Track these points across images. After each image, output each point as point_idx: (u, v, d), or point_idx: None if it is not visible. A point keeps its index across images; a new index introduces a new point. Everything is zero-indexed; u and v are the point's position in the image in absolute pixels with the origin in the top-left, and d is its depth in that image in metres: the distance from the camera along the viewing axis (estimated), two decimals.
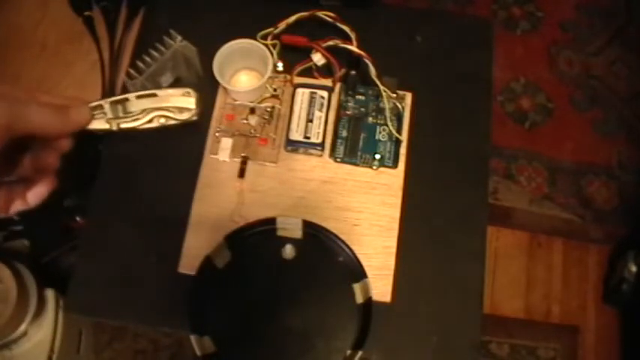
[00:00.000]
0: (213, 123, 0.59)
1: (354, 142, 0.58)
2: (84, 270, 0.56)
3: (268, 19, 0.60)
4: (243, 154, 0.58)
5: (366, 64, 0.58)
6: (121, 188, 0.58)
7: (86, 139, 0.64)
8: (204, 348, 0.48)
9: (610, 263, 1.20)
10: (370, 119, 0.59)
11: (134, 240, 0.56)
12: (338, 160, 0.58)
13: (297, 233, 0.52)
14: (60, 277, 0.83)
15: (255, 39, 0.59)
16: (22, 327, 0.79)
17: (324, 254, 0.52)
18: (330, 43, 0.59)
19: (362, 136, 0.59)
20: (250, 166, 0.58)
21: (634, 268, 1.11)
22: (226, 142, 0.58)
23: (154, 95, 0.44)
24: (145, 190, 0.58)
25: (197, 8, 0.64)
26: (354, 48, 0.58)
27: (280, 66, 0.60)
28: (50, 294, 0.84)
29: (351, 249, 0.52)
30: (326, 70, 0.60)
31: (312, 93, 0.59)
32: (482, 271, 0.55)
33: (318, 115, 0.58)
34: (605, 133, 1.30)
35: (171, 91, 0.45)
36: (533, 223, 1.22)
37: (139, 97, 0.44)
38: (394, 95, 0.59)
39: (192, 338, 0.48)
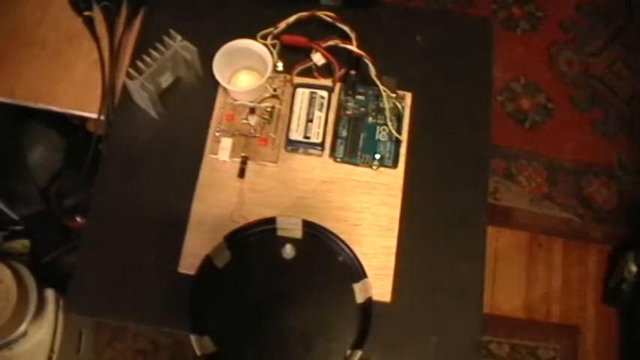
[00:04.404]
0: (213, 123, 0.59)
1: (354, 142, 0.58)
2: (84, 270, 0.56)
3: (268, 19, 0.60)
4: (243, 154, 0.58)
5: (366, 64, 0.58)
6: (121, 188, 0.58)
7: (86, 139, 0.65)
8: (204, 348, 0.48)
9: (610, 263, 1.20)
10: (370, 119, 0.59)
11: (134, 240, 0.56)
12: (338, 160, 0.58)
13: (297, 233, 0.52)
14: (60, 277, 0.83)
15: (255, 39, 0.59)
16: (22, 327, 0.79)
17: (324, 254, 0.52)
18: (330, 43, 0.59)
19: (362, 136, 0.59)
20: (250, 166, 0.58)
21: (634, 268, 1.11)
22: (226, 142, 0.58)
23: None
24: (145, 190, 0.58)
25: (197, 8, 0.64)
26: (354, 48, 0.58)
27: (280, 66, 0.60)
28: (50, 294, 0.84)
29: (351, 249, 0.52)
30: (326, 70, 0.60)
31: (312, 93, 0.59)
32: (482, 271, 0.55)
33: (318, 115, 0.58)
34: (605, 133, 1.29)
35: None
36: (533, 223, 1.22)
37: None
38: (394, 95, 0.59)
39: (192, 338, 0.48)
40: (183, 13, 0.63)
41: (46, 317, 0.83)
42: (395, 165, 0.58)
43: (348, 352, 0.49)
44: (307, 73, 0.60)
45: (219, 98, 0.60)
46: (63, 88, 0.63)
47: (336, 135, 0.59)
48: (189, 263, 0.54)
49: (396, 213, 0.57)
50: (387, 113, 0.58)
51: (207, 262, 0.51)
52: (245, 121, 0.59)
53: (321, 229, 0.52)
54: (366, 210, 0.57)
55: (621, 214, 1.24)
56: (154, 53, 0.56)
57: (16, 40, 0.64)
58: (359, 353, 0.48)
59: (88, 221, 0.58)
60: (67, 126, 0.80)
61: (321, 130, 0.58)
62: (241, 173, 0.57)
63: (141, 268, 0.55)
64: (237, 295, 0.51)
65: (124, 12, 0.65)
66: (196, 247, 0.54)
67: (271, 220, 0.52)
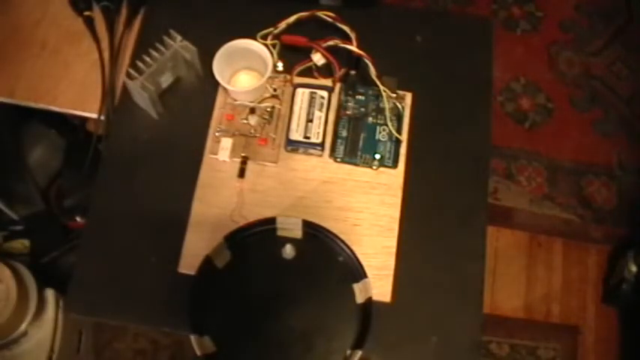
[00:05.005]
0: (213, 123, 0.59)
1: (354, 142, 0.58)
2: (84, 270, 0.56)
3: (268, 19, 0.60)
4: (243, 154, 0.58)
5: (366, 64, 0.58)
6: (121, 188, 0.58)
7: (86, 139, 0.65)
8: (204, 348, 0.48)
9: (610, 263, 1.20)
10: (370, 119, 0.59)
11: (134, 240, 0.56)
12: (338, 160, 0.58)
13: (297, 233, 0.52)
14: (60, 277, 0.83)
15: (255, 39, 0.59)
16: (22, 327, 0.79)
17: (324, 254, 0.52)
18: (330, 43, 0.59)
19: (362, 136, 0.59)
20: (250, 166, 0.58)
21: (634, 268, 1.11)
22: (226, 142, 0.58)
23: None
24: (145, 190, 0.58)
25: (197, 8, 0.64)
26: (354, 48, 0.58)
27: (280, 66, 0.60)
28: (50, 294, 0.84)
29: (351, 249, 0.52)
30: (326, 70, 0.60)
31: (312, 93, 0.59)
32: (482, 271, 0.55)
33: (318, 115, 0.58)
34: (605, 133, 1.29)
35: None
36: (533, 223, 1.22)
37: None
38: (394, 95, 0.59)
39: (192, 338, 0.48)
40: (183, 13, 0.63)
41: (46, 317, 0.83)
42: (395, 165, 0.58)
43: (348, 352, 0.49)
44: (307, 73, 0.60)
45: (219, 98, 0.60)
46: (63, 88, 0.63)
47: (336, 135, 0.59)
48: (189, 263, 0.54)
49: (396, 213, 0.57)
50: (387, 113, 0.58)
51: (207, 262, 0.51)
52: (245, 121, 0.59)
53: (321, 229, 0.52)
54: (366, 210, 0.57)
55: (621, 214, 1.24)
56: (154, 53, 0.56)
57: (16, 40, 0.64)
58: (359, 353, 0.48)
59: (88, 221, 0.58)
60: (67, 126, 0.80)
61: (321, 130, 0.58)
62: (241, 173, 0.57)
63: (141, 268, 0.55)
64: (237, 295, 0.51)
65: (124, 12, 0.65)
66: (196, 247, 0.54)
67: (271, 220, 0.52)
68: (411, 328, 0.54)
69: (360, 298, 0.51)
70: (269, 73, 0.57)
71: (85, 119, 0.72)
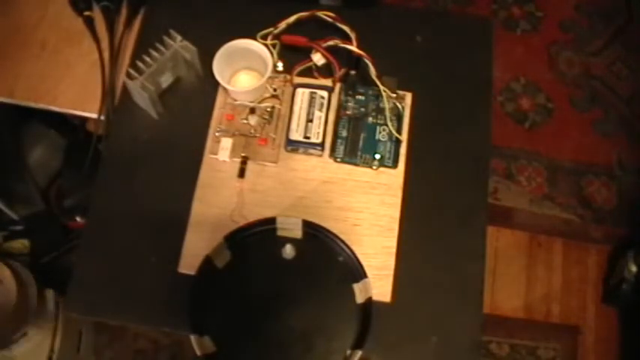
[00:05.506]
0: (213, 123, 0.59)
1: (354, 142, 0.58)
2: (84, 270, 0.56)
3: (268, 19, 0.60)
4: (243, 154, 0.58)
5: (366, 64, 0.58)
6: (121, 188, 0.58)
7: (86, 139, 0.65)
8: (204, 348, 0.48)
9: (610, 263, 1.20)
10: (370, 119, 0.59)
11: (134, 240, 0.56)
12: (338, 160, 0.58)
13: (297, 233, 0.52)
14: (60, 277, 0.84)
15: (255, 39, 0.59)
16: (22, 327, 0.79)
17: (324, 254, 0.52)
18: (330, 43, 0.59)
19: (362, 136, 0.59)
20: (250, 166, 0.58)
21: (634, 268, 1.11)
22: (226, 142, 0.58)
23: None
24: (145, 190, 0.58)
25: (197, 8, 0.64)
26: (354, 48, 0.58)
27: (280, 66, 0.60)
28: (50, 294, 0.84)
29: (351, 249, 0.52)
30: (326, 70, 0.60)
31: (312, 93, 0.59)
32: (482, 271, 0.55)
33: (318, 115, 0.58)
34: (605, 133, 1.29)
35: None
36: (533, 223, 1.22)
37: None
38: (394, 95, 0.59)
39: (192, 338, 0.48)
40: (183, 13, 0.63)
41: (46, 317, 0.83)
42: (395, 165, 0.58)
43: (348, 352, 0.49)
44: (307, 73, 0.60)
45: (219, 98, 0.60)
46: (63, 88, 0.63)
47: (336, 135, 0.59)
48: (189, 263, 0.54)
49: (396, 213, 0.57)
50: (387, 113, 0.58)
51: (207, 262, 0.51)
52: (245, 121, 0.59)
53: (321, 229, 0.52)
54: (366, 210, 0.57)
55: (621, 214, 1.24)
56: (154, 53, 0.56)
57: (16, 40, 0.64)
58: (359, 353, 0.48)
59: (88, 221, 0.58)
60: (67, 126, 0.80)
61: (321, 130, 0.58)
62: (241, 173, 0.57)
63: (141, 268, 0.55)
64: (237, 295, 0.51)
65: (124, 12, 0.65)
66: (196, 247, 0.54)
67: (271, 220, 0.52)
68: (411, 328, 0.54)
69: (360, 298, 0.51)
70: (269, 73, 0.57)
71: (85, 119, 0.72)
